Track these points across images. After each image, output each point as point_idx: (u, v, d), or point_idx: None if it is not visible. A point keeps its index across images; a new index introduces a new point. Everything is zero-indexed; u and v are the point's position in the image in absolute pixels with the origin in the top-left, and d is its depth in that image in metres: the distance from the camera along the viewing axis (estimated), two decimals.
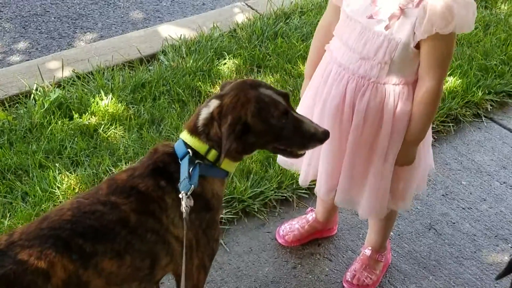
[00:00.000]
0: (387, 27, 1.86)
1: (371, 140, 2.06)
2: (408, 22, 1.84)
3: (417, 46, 1.88)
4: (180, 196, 1.66)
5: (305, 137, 1.78)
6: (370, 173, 2.11)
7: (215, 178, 1.79)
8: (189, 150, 1.73)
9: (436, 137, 3.21)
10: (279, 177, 2.83)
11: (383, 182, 2.11)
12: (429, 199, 2.87)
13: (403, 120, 2.00)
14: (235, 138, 1.69)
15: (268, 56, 3.67)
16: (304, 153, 1.88)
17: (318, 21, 4.02)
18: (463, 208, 2.84)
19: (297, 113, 1.81)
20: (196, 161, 1.72)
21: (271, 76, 3.50)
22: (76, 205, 1.66)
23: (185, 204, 1.64)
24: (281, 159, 2.38)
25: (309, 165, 2.25)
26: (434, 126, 3.20)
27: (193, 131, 1.76)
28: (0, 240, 1.57)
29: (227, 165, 1.79)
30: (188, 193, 1.66)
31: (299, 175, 2.76)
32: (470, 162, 3.11)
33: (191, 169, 1.70)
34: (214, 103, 1.76)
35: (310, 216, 2.63)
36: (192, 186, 1.67)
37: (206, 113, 1.76)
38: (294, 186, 2.83)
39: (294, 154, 1.85)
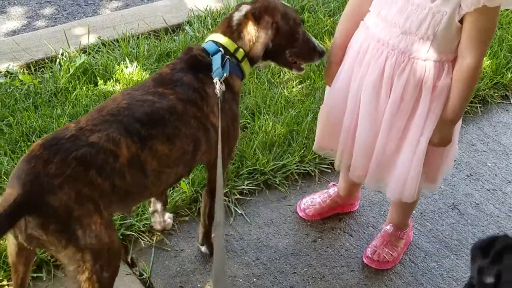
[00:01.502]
0: None
1: (407, 118, 2.02)
2: None
3: (461, 21, 1.83)
4: (214, 81, 1.91)
5: (310, 49, 2.11)
6: (402, 153, 2.07)
7: (237, 76, 2.03)
8: (221, 48, 1.98)
9: (462, 118, 3.15)
10: (301, 151, 2.81)
11: (415, 164, 2.06)
12: (453, 179, 2.84)
13: (440, 98, 1.96)
14: (272, 34, 1.99)
15: None
16: (303, 70, 2.18)
17: None
18: (487, 190, 2.81)
19: None
20: (226, 57, 1.97)
21: None
22: (128, 95, 1.83)
23: (218, 87, 1.89)
24: (317, 145, 2.36)
25: (344, 149, 2.22)
26: None
27: (226, 32, 2.01)
28: (69, 127, 1.71)
29: (246, 67, 2.05)
30: (221, 79, 1.91)
31: None
32: (496, 143, 3.07)
33: (223, 62, 1.95)
34: (245, 8, 2.02)
35: (332, 190, 2.61)
36: (225, 74, 1.93)
37: (239, 15, 2.01)
38: (316, 160, 2.81)
39: (298, 67, 2.15)
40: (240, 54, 2.01)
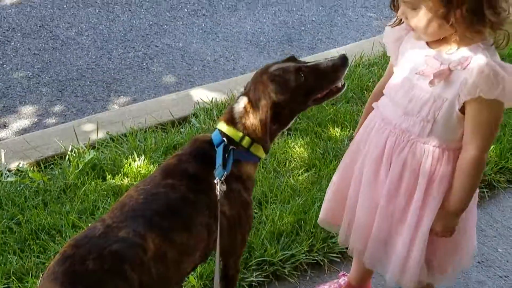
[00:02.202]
0: (431, 82, 1.86)
1: (404, 202, 2.03)
2: (454, 83, 1.84)
3: (463, 112, 1.86)
4: (215, 181, 1.87)
5: (329, 73, 1.98)
6: (401, 235, 2.07)
7: (249, 162, 2.02)
8: (224, 138, 1.96)
9: None
10: (310, 240, 2.80)
11: (414, 251, 2.04)
12: None
13: (440, 186, 1.96)
14: (272, 121, 1.95)
15: (298, 119, 3.70)
16: (344, 85, 2.03)
17: (348, 86, 4.05)
18: (500, 276, 2.76)
19: (308, 62, 2.01)
20: (230, 147, 1.95)
21: (301, 139, 3.52)
22: (143, 191, 1.88)
23: (219, 188, 1.86)
24: (321, 218, 2.36)
25: (349, 224, 2.22)
26: None
27: (229, 122, 2.00)
28: (97, 226, 1.75)
29: (259, 151, 2.00)
30: (222, 179, 1.88)
31: (330, 238, 2.76)
32: (505, 229, 3.05)
33: (226, 155, 1.93)
34: (243, 99, 2.01)
35: (343, 280, 2.58)
36: (225, 172, 1.89)
37: (238, 107, 2.00)
38: (325, 249, 2.79)
39: (333, 91, 2.03)
40: (246, 142, 1.98)
